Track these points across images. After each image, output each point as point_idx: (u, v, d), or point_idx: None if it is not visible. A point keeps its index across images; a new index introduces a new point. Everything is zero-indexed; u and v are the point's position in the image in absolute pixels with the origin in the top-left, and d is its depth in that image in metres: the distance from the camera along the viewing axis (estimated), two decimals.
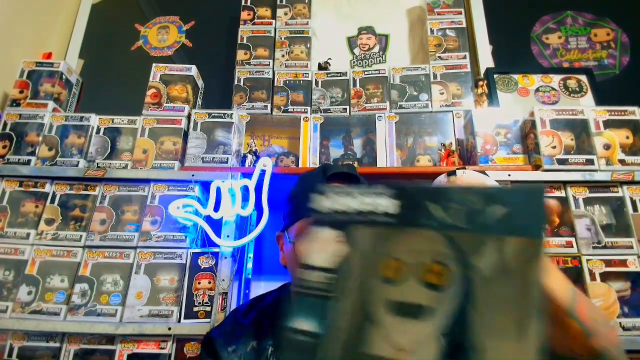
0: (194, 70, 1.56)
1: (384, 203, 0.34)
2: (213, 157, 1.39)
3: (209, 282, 1.22)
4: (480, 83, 1.57)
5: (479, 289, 0.33)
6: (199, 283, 1.22)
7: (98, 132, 1.44)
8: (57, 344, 1.19)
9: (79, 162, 1.39)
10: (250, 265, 1.45)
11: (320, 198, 0.35)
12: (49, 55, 1.72)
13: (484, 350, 0.32)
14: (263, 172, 1.27)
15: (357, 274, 0.33)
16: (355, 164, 1.42)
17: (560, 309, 0.46)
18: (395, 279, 0.34)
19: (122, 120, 1.46)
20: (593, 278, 1.15)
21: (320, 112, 1.56)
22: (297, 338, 0.31)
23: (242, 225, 1.36)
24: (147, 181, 1.35)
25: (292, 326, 0.31)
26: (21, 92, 1.51)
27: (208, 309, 1.19)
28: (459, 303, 0.32)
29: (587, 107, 1.33)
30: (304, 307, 0.31)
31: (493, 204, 0.31)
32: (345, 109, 1.56)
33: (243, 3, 1.78)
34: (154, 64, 1.55)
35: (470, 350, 0.31)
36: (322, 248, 0.33)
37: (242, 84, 1.62)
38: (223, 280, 1.21)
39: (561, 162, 1.25)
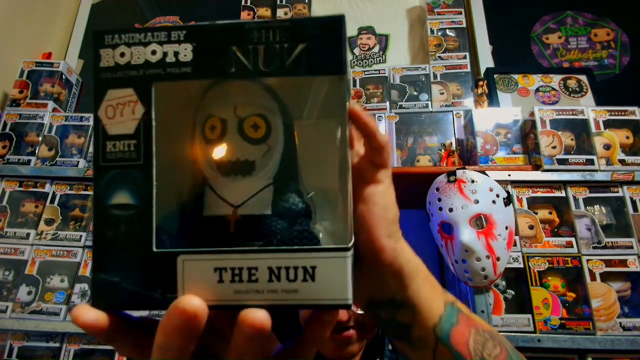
0: None
1: (175, 48, 0.29)
2: None
3: None
4: (481, 83, 1.57)
5: (298, 134, 0.33)
6: None
7: None
8: (57, 344, 1.19)
9: (79, 162, 1.39)
10: None
11: (108, 52, 0.29)
12: (49, 55, 1.72)
13: (308, 191, 0.33)
14: None
15: (167, 136, 0.30)
16: None
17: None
18: (215, 138, 0.31)
19: None
20: (593, 278, 1.15)
21: None
22: (113, 213, 0.28)
23: None
24: None
25: (107, 204, 0.28)
26: (21, 92, 1.51)
27: None
28: (282, 150, 0.32)
29: (587, 107, 1.33)
30: (113, 181, 0.28)
31: (292, 39, 0.28)
32: None
33: (243, 3, 1.78)
34: None
35: (296, 193, 0.32)
36: (117, 112, 0.29)
37: None
38: None
39: (561, 162, 1.25)
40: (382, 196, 0.35)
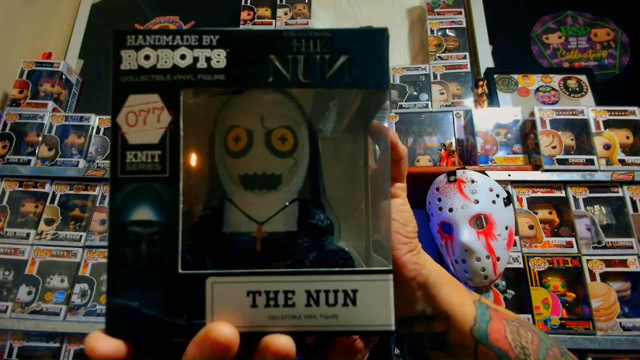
0: None
1: (207, 53, 0.27)
2: None
3: None
4: (481, 83, 1.57)
5: (325, 148, 0.32)
6: None
7: (98, 132, 1.44)
8: (57, 344, 1.19)
9: (79, 162, 1.39)
10: None
11: (130, 53, 0.27)
12: (49, 55, 1.72)
13: (333, 206, 0.32)
14: None
15: (192, 146, 0.28)
16: None
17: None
18: (240, 150, 0.30)
19: None
20: (593, 278, 1.15)
21: None
22: (132, 230, 0.25)
23: None
24: None
25: (125, 220, 0.25)
26: (21, 92, 1.51)
27: None
28: (308, 165, 0.31)
29: (587, 107, 1.33)
30: (133, 195, 0.26)
31: (334, 51, 0.27)
32: None
33: (243, 3, 1.78)
34: None
35: (320, 209, 0.31)
36: (140, 120, 0.26)
37: None
38: None
39: (561, 162, 1.25)
40: (400, 210, 0.34)
